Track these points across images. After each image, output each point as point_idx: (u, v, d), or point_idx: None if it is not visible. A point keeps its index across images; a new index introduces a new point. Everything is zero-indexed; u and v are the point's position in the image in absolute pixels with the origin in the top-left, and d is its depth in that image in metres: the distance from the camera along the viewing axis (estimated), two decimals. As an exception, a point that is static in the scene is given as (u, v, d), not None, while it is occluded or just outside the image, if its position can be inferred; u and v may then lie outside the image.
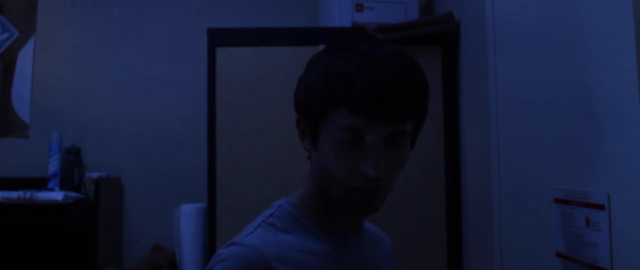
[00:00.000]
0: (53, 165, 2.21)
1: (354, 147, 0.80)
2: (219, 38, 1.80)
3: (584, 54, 1.03)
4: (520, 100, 1.31)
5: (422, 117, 0.87)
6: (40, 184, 2.20)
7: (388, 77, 0.77)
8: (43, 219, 1.99)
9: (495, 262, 1.45)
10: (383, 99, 0.77)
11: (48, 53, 2.43)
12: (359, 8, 1.90)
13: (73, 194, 2.02)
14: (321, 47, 1.79)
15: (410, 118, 0.82)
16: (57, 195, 1.95)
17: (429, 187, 1.77)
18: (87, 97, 2.42)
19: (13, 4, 2.44)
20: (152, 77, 2.43)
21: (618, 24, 0.91)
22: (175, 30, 2.46)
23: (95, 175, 2.17)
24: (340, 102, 0.79)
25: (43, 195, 1.95)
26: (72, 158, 2.27)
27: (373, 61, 0.79)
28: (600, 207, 0.95)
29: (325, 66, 0.83)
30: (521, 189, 1.31)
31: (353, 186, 0.81)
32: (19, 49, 2.41)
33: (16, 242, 2.29)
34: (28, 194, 1.94)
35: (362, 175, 0.79)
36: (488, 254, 1.51)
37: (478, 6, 1.59)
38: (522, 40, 1.31)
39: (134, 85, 2.43)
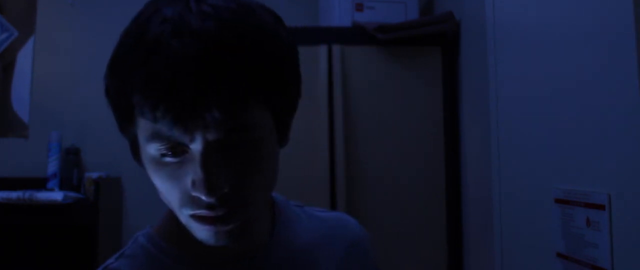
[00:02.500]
0: (52, 165, 2.21)
1: (178, 162, 0.57)
2: (218, 38, 1.79)
3: (583, 54, 1.03)
4: (520, 100, 1.31)
5: (278, 97, 0.60)
6: (40, 184, 2.20)
7: (188, 52, 0.52)
8: (43, 219, 1.99)
9: (495, 262, 1.45)
10: (183, 87, 0.52)
11: (47, 53, 2.43)
12: (359, 8, 1.90)
13: (73, 194, 2.02)
14: (321, 47, 1.79)
15: (247, 103, 0.55)
16: (57, 196, 1.95)
17: (429, 187, 1.77)
18: (87, 97, 2.41)
19: (13, 3, 2.43)
20: (151, 77, 2.43)
21: (618, 24, 0.91)
22: (175, 30, 2.46)
23: (95, 175, 2.17)
24: (131, 102, 0.55)
25: (42, 196, 1.94)
26: (72, 158, 2.27)
27: (172, 26, 0.54)
28: (601, 207, 0.95)
29: (119, 39, 0.59)
30: (521, 189, 1.31)
31: (193, 214, 0.58)
32: (19, 48, 2.41)
33: (16, 242, 2.28)
34: (27, 194, 1.94)
35: (198, 200, 0.56)
36: (488, 254, 1.51)
37: (478, 6, 1.58)
38: (522, 40, 1.31)
39: (133, 85, 2.43)
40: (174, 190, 0.58)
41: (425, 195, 1.77)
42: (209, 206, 0.56)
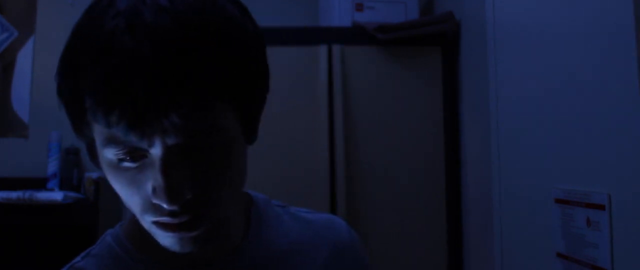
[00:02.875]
0: (52, 165, 2.20)
1: (137, 167, 0.52)
2: (218, 38, 1.79)
3: (583, 54, 1.03)
4: (520, 100, 1.31)
5: (244, 95, 0.55)
6: (40, 184, 2.19)
7: (142, 50, 0.47)
8: (42, 219, 1.98)
9: (495, 262, 1.45)
10: (137, 91, 0.47)
11: (47, 53, 2.43)
12: (359, 8, 1.90)
13: (72, 194, 2.02)
14: (321, 47, 1.79)
15: (209, 104, 0.51)
16: (57, 196, 1.94)
17: (429, 187, 1.77)
18: (87, 97, 2.41)
19: (12, 3, 2.43)
20: (151, 77, 2.43)
21: (618, 24, 0.91)
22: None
23: (94, 175, 2.17)
24: (84, 105, 0.51)
25: (42, 196, 1.94)
26: (72, 158, 2.26)
27: (125, 20, 0.49)
28: (601, 207, 0.95)
29: (70, 35, 0.54)
30: (521, 189, 1.31)
31: (156, 221, 0.54)
32: (19, 48, 2.41)
33: (15, 242, 2.28)
34: (27, 194, 1.94)
35: (159, 207, 0.53)
36: (488, 254, 1.50)
37: (478, 6, 1.58)
38: (522, 40, 1.31)
39: (133, 85, 2.43)
40: (135, 196, 0.54)
41: (425, 195, 1.77)
42: (171, 213, 0.52)
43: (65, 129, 2.31)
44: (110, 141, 0.51)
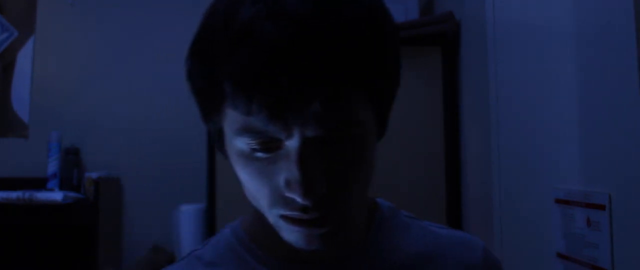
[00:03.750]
0: (52, 166, 2.20)
1: (270, 158, 0.51)
2: (218, 38, 1.79)
3: (584, 54, 1.03)
4: (520, 100, 1.31)
5: (381, 88, 0.54)
6: (40, 184, 2.19)
7: (286, 38, 0.46)
8: (42, 219, 1.99)
9: (495, 263, 1.45)
10: (281, 78, 0.46)
11: (47, 53, 2.43)
12: (358, 8, 1.90)
13: (72, 194, 2.02)
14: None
15: (350, 96, 0.50)
16: (57, 196, 1.95)
17: (429, 187, 1.77)
18: (87, 97, 2.41)
19: (12, 3, 2.43)
20: (151, 76, 2.43)
21: (618, 24, 0.91)
22: (175, 30, 2.45)
23: (94, 175, 2.17)
24: (221, 91, 0.50)
25: (42, 196, 1.95)
26: (72, 158, 2.27)
27: (266, 8, 0.47)
28: (601, 207, 0.95)
29: (204, 19, 0.53)
30: (521, 189, 1.31)
31: (285, 215, 0.53)
32: (19, 48, 2.41)
33: (15, 243, 2.28)
34: (27, 194, 1.94)
35: (291, 201, 0.51)
36: (488, 254, 1.51)
37: (478, 6, 1.58)
38: (522, 40, 1.31)
39: (133, 85, 2.43)
40: (264, 188, 0.53)
41: (425, 195, 1.76)
42: (303, 208, 0.51)
43: (65, 129, 2.32)
44: (246, 130, 0.50)
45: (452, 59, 1.80)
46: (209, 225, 1.73)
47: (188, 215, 1.96)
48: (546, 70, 1.18)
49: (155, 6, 2.47)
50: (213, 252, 0.66)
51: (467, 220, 1.73)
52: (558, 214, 1.11)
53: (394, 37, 0.56)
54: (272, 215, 0.54)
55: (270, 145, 0.51)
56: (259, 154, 0.52)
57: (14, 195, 1.94)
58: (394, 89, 0.58)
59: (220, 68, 0.49)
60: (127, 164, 2.37)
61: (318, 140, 0.50)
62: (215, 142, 0.59)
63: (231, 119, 0.51)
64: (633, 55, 0.86)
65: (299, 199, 0.50)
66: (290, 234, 0.54)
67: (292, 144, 0.49)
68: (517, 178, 1.34)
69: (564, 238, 1.08)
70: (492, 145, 1.47)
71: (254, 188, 0.54)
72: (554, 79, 1.14)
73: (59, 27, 2.45)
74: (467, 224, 1.73)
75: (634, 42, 0.86)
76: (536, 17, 1.24)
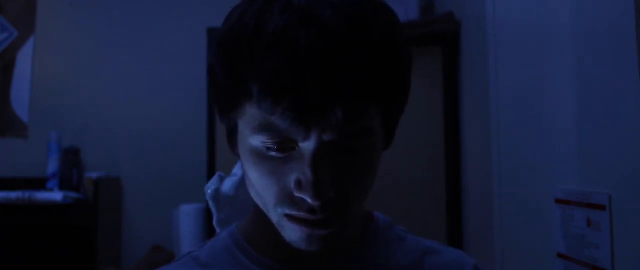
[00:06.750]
0: (52, 166, 2.20)
1: (283, 158, 0.53)
2: (218, 38, 1.79)
3: (583, 54, 1.03)
4: (520, 100, 1.31)
5: (394, 100, 0.58)
6: (39, 184, 2.19)
7: (317, 46, 0.49)
8: (42, 219, 1.98)
9: (495, 263, 1.45)
10: (310, 84, 0.49)
11: (47, 53, 2.43)
12: (358, 8, 1.90)
13: (72, 194, 2.02)
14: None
15: (369, 106, 0.53)
16: (56, 196, 1.94)
17: (429, 187, 1.77)
18: (86, 97, 2.41)
19: (12, 3, 2.43)
20: (152, 76, 2.43)
21: (618, 24, 0.91)
22: (175, 30, 2.46)
23: (94, 175, 2.17)
24: (245, 90, 0.52)
25: (42, 196, 1.94)
26: (71, 158, 2.26)
27: (299, 16, 0.50)
28: (602, 207, 0.95)
29: (230, 20, 0.55)
30: (521, 189, 1.31)
31: (290, 214, 0.55)
32: (18, 48, 2.41)
33: (15, 243, 2.28)
34: (27, 194, 1.94)
35: (299, 201, 0.54)
36: (488, 254, 1.50)
37: (479, 6, 1.58)
38: (522, 40, 1.31)
39: (133, 85, 2.43)
40: (273, 187, 0.54)
41: (425, 195, 1.76)
42: (310, 209, 0.53)
43: (64, 129, 2.32)
44: (264, 129, 0.52)
45: (452, 59, 1.80)
46: (209, 225, 1.72)
47: (188, 215, 1.95)
48: (546, 70, 1.18)
49: (156, 6, 2.47)
50: (209, 253, 0.67)
51: (467, 220, 1.73)
52: (558, 214, 1.10)
53: (410, 58, 0.59)
54: (277, 214, 0.56)
55: (284, 146, 0.53)
56: (273, 153, 0.54)
57: (13, 195, 1.93)
58: (404, 104, 0.62)
59: (249, 69, 0.51)
60: (127, 164, 2.37)
61: (332, 145, 0.52)
62: (228, 140, 0.62)
63: (250, 116, 0.53)
64: (633, 55, 0.86)
65: (309, 200, 0.52)
66: (293, 234, 0.56)
67: (307, 146, 0.52)
68: (517, 178, 1.34)
69: (564, 238, 1.08)
70: (492, 145, 1.47)
71: (263, 186, 0.55)
72: (554, 79, 1.14)
73: (59, 27, 2.45)
74: (467, 224, 1.73)
75: (634, 42, 0.86)
76: (536, 17, 1.24)
